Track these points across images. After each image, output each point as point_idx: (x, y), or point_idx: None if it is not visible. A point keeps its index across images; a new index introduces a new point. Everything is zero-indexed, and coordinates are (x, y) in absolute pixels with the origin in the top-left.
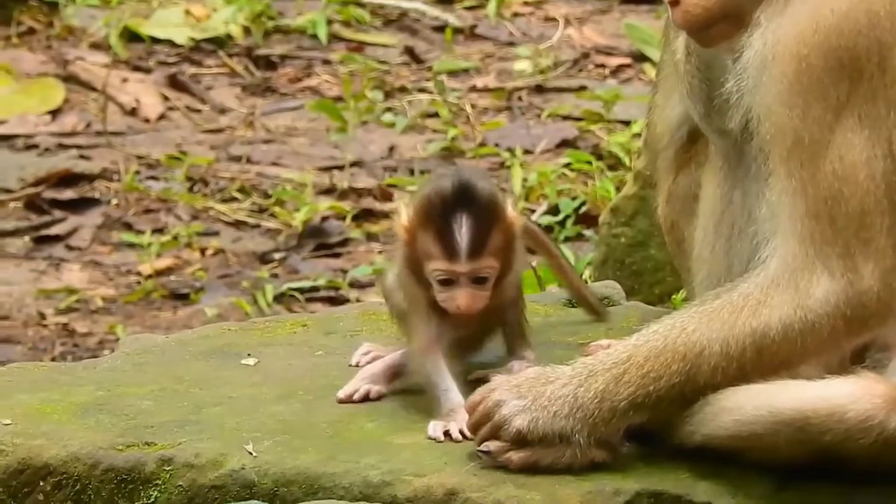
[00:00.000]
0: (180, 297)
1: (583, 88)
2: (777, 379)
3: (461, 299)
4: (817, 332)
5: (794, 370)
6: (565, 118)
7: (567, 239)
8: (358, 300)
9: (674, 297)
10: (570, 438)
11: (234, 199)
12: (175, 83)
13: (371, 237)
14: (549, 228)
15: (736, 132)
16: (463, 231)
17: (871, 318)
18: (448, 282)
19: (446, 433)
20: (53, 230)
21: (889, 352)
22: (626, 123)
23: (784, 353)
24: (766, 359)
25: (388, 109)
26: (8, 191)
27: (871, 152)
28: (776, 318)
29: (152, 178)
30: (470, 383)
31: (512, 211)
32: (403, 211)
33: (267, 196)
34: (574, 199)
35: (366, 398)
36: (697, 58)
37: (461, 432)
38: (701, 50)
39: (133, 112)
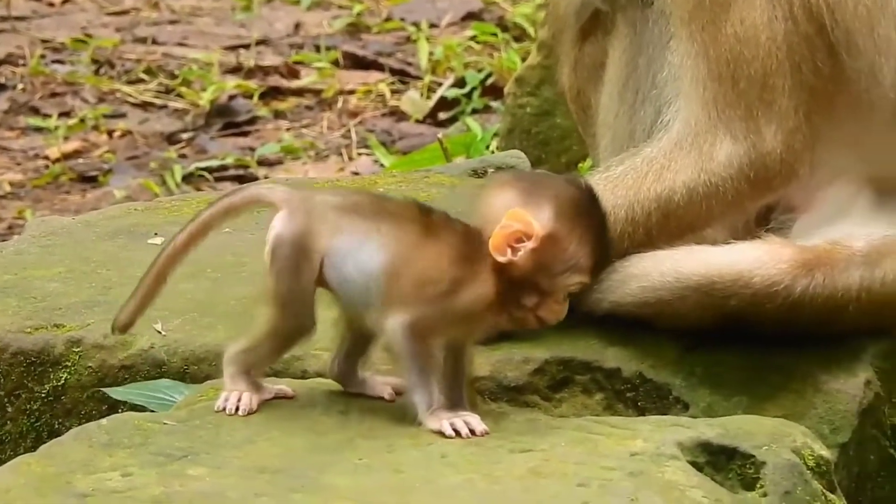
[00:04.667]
0: (89, 180)
1: None
2: (683, 243)
3: (563, 312)
4: (721, 194)
5: (699, 233)
6: None
7: (474, 111)
8: (266, 177)
9: (580, 165)
10: None
11: (140, 81)
12: None
13: (279, 115)
14: (456, 101)
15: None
16: (608, 244)
17: (774, 179)
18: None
19: (455, 430)
20: None
21: (793, 213)
22: None
23: (689, 216)
24: (672, 223)
25: None
26: None
27: (773, 13)
28: (680, 182)
29: (58, 61)
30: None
31: None
32: (532, 215)
33: (173, 76)
34: (480, 71)
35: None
36: None
37: (471, 429)
38: None
39: None
